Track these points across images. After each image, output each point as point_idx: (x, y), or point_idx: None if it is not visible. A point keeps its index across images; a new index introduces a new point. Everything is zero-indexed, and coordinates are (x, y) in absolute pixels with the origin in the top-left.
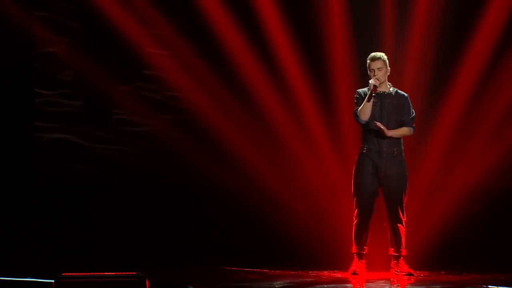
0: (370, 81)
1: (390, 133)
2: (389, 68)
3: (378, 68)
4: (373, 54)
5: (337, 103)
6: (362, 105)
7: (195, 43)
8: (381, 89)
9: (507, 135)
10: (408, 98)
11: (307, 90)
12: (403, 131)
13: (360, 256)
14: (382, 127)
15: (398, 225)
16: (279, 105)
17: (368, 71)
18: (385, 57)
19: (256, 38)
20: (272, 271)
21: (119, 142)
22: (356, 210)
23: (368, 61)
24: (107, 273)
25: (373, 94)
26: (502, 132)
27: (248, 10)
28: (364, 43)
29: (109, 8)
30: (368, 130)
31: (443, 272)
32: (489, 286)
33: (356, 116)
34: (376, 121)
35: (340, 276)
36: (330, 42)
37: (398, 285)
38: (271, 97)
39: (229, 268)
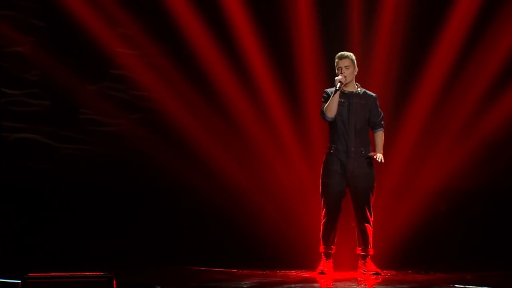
0: (337, 78)
1: (381, 151)
2: (356, 68)
3: (345, 66)
4: (341, 53)
5: (305, 103)
6: (329, 101)
7: (163, 42)
8: (348, 89)
9: (473, 136)
10: (376, 98)
11: (275, 90)
12: (381, 140)
13: (327, 255)
14: (375, 158)
15: (366, 224)
16: (247, 105)
17: (336, 70)
18: (353, 57)
19: (224, 38)
20: (240, 271)
21: (86, 142)
22: (324, 210)
23: (336, 59)
24: (74, 273)
25: (340, 89)
26: (468, 133)
27: (216, 9)
28: (332, 44)
29: (76, 7)
30: (336, 130)
31: (410, 271)
32: (456, 285)
33: (322, 113)
34: (344, 121)
35: (307, 275)
36: (298, 43)
37: (366, 285)
38: (239, 97)
39: (197, 268)
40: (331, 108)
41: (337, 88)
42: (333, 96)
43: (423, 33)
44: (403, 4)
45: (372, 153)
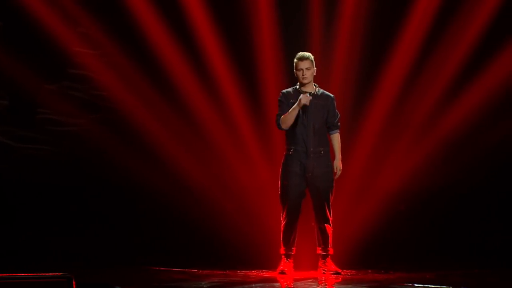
0: (303, 101)
1: (340, 158)
2: (315, 68)
3: (306, 68)
4: (301, 53)
5: (265, 103)
6: (286, 115)
7: (123, 42)
8: (307, 89)
9: (432, 136)
10: (334, 99)
11: (236, 89)
12: (338, 143)
13: (288, 256)
14: (337, 171)
15: (326, 224)
16: (207, 105)
17: (296, 71)
18: (313, 58)
19: (184, 37)
20: (200, 271)
21: (45, 141)
22: (284, 212)
23: (296, 60)
24: (33, 274)
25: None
26: (427, 133)
27: (177, 9)
28: (292, 44)
29: (34, 6)
30: (294, 131)
31: (369, 271)
32: (415, 285)
33: (277, 122)
34: (301, 121)
35: (268, 275)
36: (258, 42)
37: (326, 284)
38: (200, 97)
39: (157, 268)
40: (287, 122)
41: (299, 107)
42: (292, 110)
43: (382, 33)
44: (362, 4)
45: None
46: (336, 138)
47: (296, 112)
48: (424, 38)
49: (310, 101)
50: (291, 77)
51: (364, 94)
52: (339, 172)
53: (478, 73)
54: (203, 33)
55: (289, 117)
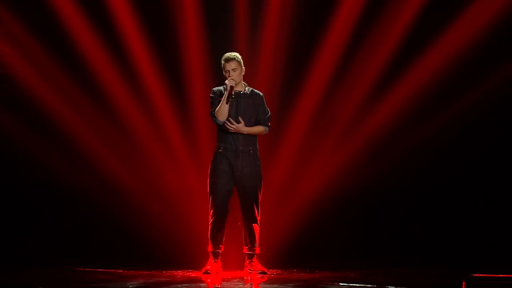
0: (226, 82)
1: (246, 129)
2: (244, 68)
3: (232, 69)
4: (227, 55)
5: (192, 103)
6: (219, 106)
7: (47, 41)
8: (236, 88)
9: (357, 136)
10: (263, 97)
11: (162, 89)
12: (259, 129)
13: (216, 255)
14: (237, 125)
15: (253, 224)
16: (133, 105)
17: (223, 72)
18: (240, 58)
19: (110, 37)
20: (126, 272)
21: None
22: (212, 210)
23: (222, 62)
24: None
25: (232, 96)
26: (353, 132)
27: (102, 9)
28: (219, 44)
29: None
30: (224, 130)
31: (295, 270)
32: (340, 284)
33: (213, 117)
34: (232, 121)
35: (194, 275)
36: (184, 42)
37: (252, 284)
38: (125, 97)
39: (82, 268)
40: (222, 113)
41: (228, 93)
42: (224, 102)
43: (308, 33)
44: (288, 4)
45: (233, 124)
46: (260, 126)
47: (227, 101)
48: (350, 36)
49: (240, 100)
50: (218, 78)
51: (290, 93)
52: (239, 125)
53: (403, 73)
54: (129, 33)
55: (222, 108)
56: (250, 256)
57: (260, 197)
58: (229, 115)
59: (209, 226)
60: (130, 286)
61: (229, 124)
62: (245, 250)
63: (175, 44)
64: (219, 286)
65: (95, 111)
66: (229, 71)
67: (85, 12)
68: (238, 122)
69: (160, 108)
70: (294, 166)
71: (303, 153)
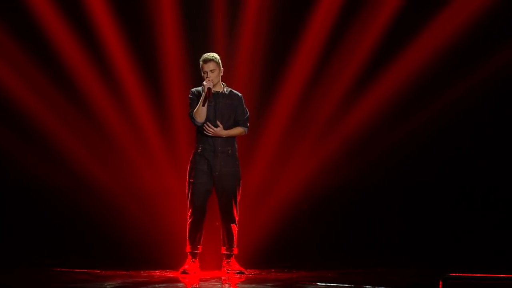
0: (204, 83)
1: (225, 132)
2: (222, 68)
3: (211, 70)
4: (205, 55)
5: (170, 103)
6: (197, 107)
7: (23, 40)
8: (215, 89)
9: (335, 136)
10: (242, 97)
11: (140, 89)
12: (238, 131)
13: (194, 255)
14: (215, 129)
15: (232, 224)
16: (111, 105)
17: (202, 73)
18: (218, 58)
19: (87, 37)
20: (103, 272)
21: None
22: (190, 210)
23: (200, 63)
24: None
25: (209, 98)
26: (330, 133)
27: (80, 9)
28: (197, 44)
29: None
30: (203, 130)
31: (273, 270)
32: (318, 283)
33: (192, 118)
34: (211, 121)
35: (172, 275)
36: (162, 43)
37: (229, 284)
38: (103, 96)
39: (59, 269)
40: (201, 114)
41: (206, 95)
42: (202, 103)
43: (286, 33)
44: (266, 5)
45: (211, 127)
46: (239, 128)
47: (204, 102)
48: (327, 37)
49: (219, 100)
50: (197, 79)
51: (268, 94)
52: (217, 129)
53: (381, 73)
54: (106, 32)
55: (200, 109)
56: (228, 257)
57: (238, 197)
58: (207, 116)
59: (187, 227)
60: (107, 286)
61: (207, 128)
62: (223, 250)
63: (153, 44)
64: (197, 286)
65: (72, 111)
66: (207, 72)
67: (62, 12)
68: (217, 126)
69: (138, 108)
70: (272, 166)
71: (281, 153)
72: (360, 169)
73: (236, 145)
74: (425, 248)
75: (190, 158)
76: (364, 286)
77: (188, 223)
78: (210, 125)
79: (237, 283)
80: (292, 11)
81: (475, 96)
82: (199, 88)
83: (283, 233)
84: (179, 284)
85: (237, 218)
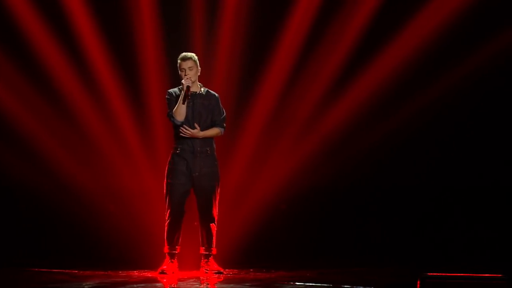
0: (183, 81)
1: (202, 134)
2: (199, 68)
3: (189, 68)
4: (183, 54)
5: (148, 103)
6: (176, 106)
7: (1, 41)
8: (192, 89)
9: (313, 136)
10: (219, 98)
11: (118, 89)
12: (214, 131)
13: (172, 255)
14: (192, 131)
15: (211, 224)
16: (89, 105)
17: (179, 71)
18: (196, 57)
19: (65, 37)
20: (81, 272)
21: None
22: (168, 211)
23: (179, 61)
24: None
25: (188, 95)
26: (308, 133)
27: (58, 9)
28: (175, 44)
29: None
30: (180, 132)
31: (251, 270)
32: (296, 283)
33: (171, 117)
34: (189, 121)
35: (150, 275)
36: (140, 42)
37: (208, 284)
38: (81, 96)
39: (36, 269)
40: (180, 112)
41: (185, 92)
42: (181, 101)
43: (264, 32)
44: (244, 5)
45: (188, 129)
46: (215, 128)
47: (183, 101)
48: (306, 36)
49: (196, 100)
50: (175, 78)
51: (246, 94)
52: (194, 131)
53: (359, 73)
54: (85, 33)
55: (179, 108)
56: (207, 256)
57: (218, 197)
58: (185, 116)
59: (166, 227)
60: (85, 287)
61: (184, 130)
62: (202, 250)
63: (131, 44)
64: (175, 286)
65: (50, 111)
66: (185, 70)
67: (40, 12)
68: (193, 128)
69: (116, 108)
70: (250, 166)
71: (259, 154)
72: (338, 169)
73: (214, 145)
74: (403, 247)
75: (169, 159)
76: (342, 286)
77: (166, 224)
78: (186, 127)
79: (216, 283)
80: (270, 11)
81: (453, 95)
82: (176, 89)
83: (261, 233)
84: (157, 284)
85: (216, 218)
